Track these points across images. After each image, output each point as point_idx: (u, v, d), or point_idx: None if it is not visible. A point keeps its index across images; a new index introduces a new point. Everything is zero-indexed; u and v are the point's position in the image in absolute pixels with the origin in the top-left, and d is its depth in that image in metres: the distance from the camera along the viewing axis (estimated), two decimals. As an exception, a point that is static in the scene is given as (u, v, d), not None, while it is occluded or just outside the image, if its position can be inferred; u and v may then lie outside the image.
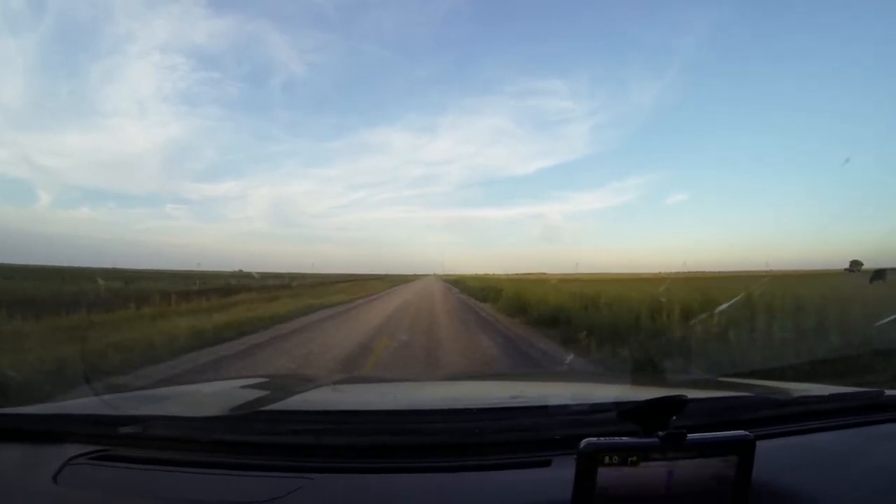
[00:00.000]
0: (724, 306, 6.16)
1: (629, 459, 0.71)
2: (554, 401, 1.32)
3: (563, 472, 0.76)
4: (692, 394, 0.93)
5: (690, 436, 0.72)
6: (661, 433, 0.73)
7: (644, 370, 4.85)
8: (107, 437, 1.01)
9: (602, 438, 0.72)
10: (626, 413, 0.79)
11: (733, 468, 0.73)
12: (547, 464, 0.90)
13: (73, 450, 0.97)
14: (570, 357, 6.34)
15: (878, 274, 18.40)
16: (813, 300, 6.62)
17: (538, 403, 1.32)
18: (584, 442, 0.71)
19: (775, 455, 0.91)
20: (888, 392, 1.23)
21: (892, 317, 4.43)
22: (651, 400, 0.77)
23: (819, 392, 1.30)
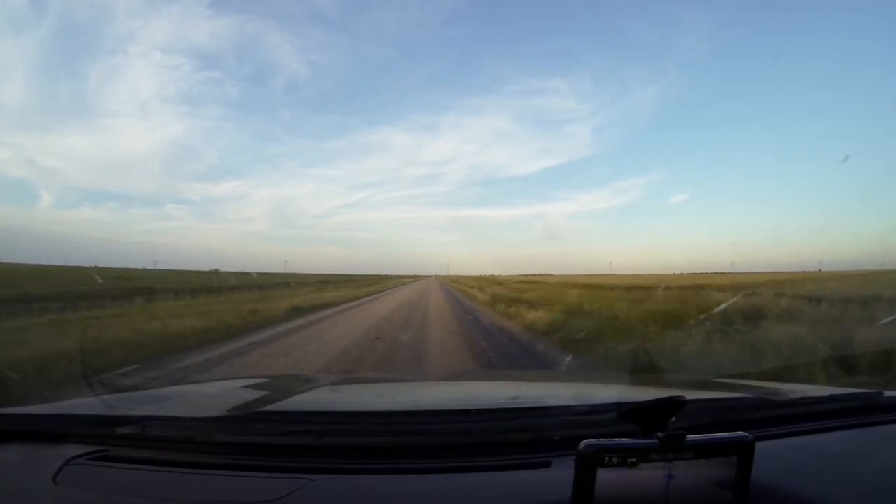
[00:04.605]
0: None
1: (629, 460, 0.71)
2: (553, 401, 1.33)
3: (562, 473, 0.76)
4: (691, 394, 0.93)
5: (690, 437, 0.72)
6: (660, 434, 0.73)
7: (643, 371, 4.84)
8: (106, 437, 1.01)
9: (601, 439, 0.72)
10: (626, 414, 0.79)
11: (732, 469, 0.73)
12: (546, 465, 0.90)
13: (72, 450, 0.97)
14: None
15: None
16: None
17: (538, 404, 1.32)
18: (583, 443, 0.71)
19: (774, 456, 0.91)
20: (887, 393, 1.23)
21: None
22: (650, 401, 0.77)
23: (818, 393, 1.30)
